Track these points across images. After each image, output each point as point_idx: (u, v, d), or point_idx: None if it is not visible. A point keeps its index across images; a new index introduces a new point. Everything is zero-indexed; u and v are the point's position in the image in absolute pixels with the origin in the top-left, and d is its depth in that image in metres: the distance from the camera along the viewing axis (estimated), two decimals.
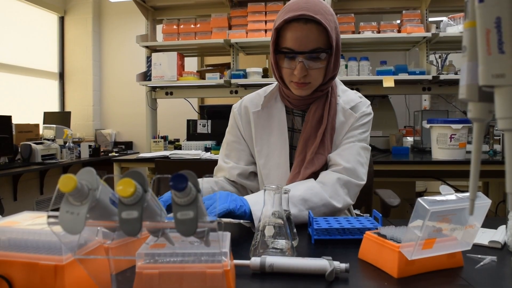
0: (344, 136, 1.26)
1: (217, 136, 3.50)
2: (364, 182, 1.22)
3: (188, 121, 3.66)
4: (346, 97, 1.31)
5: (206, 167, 1.20)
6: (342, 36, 3.20)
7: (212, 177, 1.38)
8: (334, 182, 1.17)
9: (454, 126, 2.58)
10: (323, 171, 1.23)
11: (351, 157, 1.21)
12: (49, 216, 0.52)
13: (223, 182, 1.33)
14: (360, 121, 1.27)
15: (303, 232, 1.03)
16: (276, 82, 1.33)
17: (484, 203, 0.77)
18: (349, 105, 1.28)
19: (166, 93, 3.74)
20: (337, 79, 1.34)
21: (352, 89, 1.40)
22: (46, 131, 4.36)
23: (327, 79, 1.21)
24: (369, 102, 1.33)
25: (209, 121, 3.58)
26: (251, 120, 1.32)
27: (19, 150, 3.69)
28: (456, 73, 3.22)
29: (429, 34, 3.16)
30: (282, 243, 0.83)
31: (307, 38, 1.11)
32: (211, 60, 4.77)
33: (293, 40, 1.12)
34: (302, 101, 1.26)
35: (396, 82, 3.17)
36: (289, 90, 1.23)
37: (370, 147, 1.30)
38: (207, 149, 3.34)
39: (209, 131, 3.56)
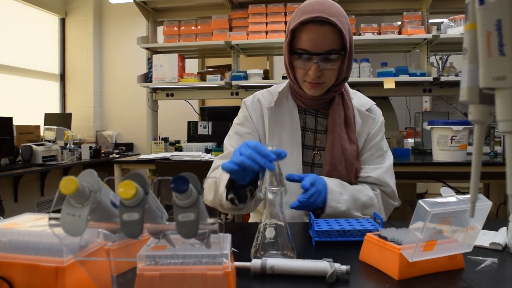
0: (374, 148, 1.30)
1: (217, 137, 3.50)
2: (397, 203, 1.32)
3: (189, 122, 3.66)
4: (358, 99, 1.35)
5: (207, 169, 1.19)
6: None
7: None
8: (380, 200, 1.26)
9: (455, 127, 2.58)
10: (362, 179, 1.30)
11: (391, 180, 1.30)
12: (50, 218, 0.52)
13: None
14: (382, 131, 1.33)
15: (303, 234, 1.03)
16: (287, 82, 1.33)
17: (485, 205, 0.77)
18: (365, 108, 1.32)
19: (167, 95, 3.75)
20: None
21: None
22: (47, 133, 4.37)
23: (340, 80, 1.22)
24: (380, 110, 1.38)
25: (210, 123, 3.58)
26: (265, 116, 1.32)
27: (20, 152, 3.69)
28: (456, 75, 3.22)
29: (429, 36, 3.16)
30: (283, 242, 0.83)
31: (322, 40, 1.12)
32: (211, 61, 4.78)
33: (309, 42, 1.13)
34: (315, 101, 1.27)
35: (397, 83, 3.18)
36: (302, 90, 1.24)
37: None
38: (207, 151, 3.34)
39: (210, 133, 3.56)
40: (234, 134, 1.33)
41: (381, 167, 1.29)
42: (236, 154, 0.94)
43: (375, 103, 1.37)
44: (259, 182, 0.89)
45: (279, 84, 1.40)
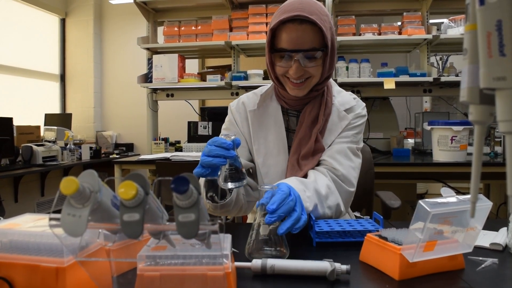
0: (339, 135, 1.27)
1: None
2: (354, 189, 1.23)
3: (189, 123, 3.66)
4: (341, 98, 1.32)
5: None
6: (343, 38, 3.23)
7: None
8: (334, 185, 1.18)
9: (455, 128, 2.58)
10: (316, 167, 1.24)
11: (344, 162, 1.22)
12: (51, 219, 0.52)
13: None
14: (354, 123, 1.29)
15: (304, 235, 1.03)
16: (272, 83, 1.34)
17: (485, 205, 0.77)
18: (344, 107, 1.29)
19: (167, 95, 3.75)
20: (331, 80, 1.35)
21: (353, 91, 1.41)
22: (47, 133, 4.37)
23: (323, 78, 1.22)
24: (364, 104, 1.34)
25: (210, 123, 3.58)
26: (249, 118, 1.32)
27: (20, 152, 3.69)
28: (457, 75, 3.22)
29: (430, 36, 3.16)
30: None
31: (302, 38, 1.12)
32: (212, 62, 4.77)
33: (288, 41, 1.13)
34: (298, 101, 1.27)
35: (397, 84, 3.18)
36: (285, 90, 1.24)
37: (361, 149, 1.32)
38: None
39: (210, 133, 3.56)
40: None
41: (332, 147, 1.24)
42: (201, 159, 0.96)
43: (358, 102, 1.33)
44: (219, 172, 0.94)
45: (266, 86, 1.40)
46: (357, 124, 1.29)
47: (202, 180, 1.09)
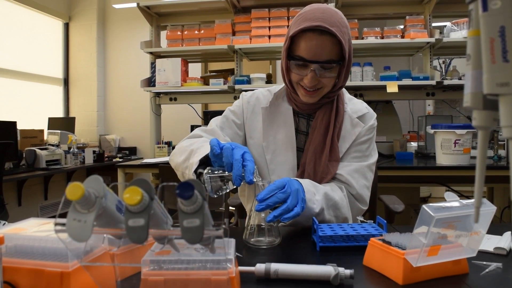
0: (352, 148, 1.28)
1: None
2: (367, 207, 1.28)
3: (192, 126, 3.67)
4: (353, 105, 1.34)
5: None
6: None
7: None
8: (347, 202, 1.23)
9: (458, 131, 2.58)
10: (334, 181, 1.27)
11: (360, 181, 1.26)
12: (56, 224, 0.53)
13: None
14: (368, 135, 1.30)
15: (307, 239, 1.03)
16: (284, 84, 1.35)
17: (489, 209, 0.76)
18: (357, 115, 1.31)
19: (170, 99, 3.76)
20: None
21: (355, 94, 1.42)
22: (50, 137, 4.39)
23: (337, 88, 1.23)
24: (375, 115, 1.35)
25: None
26: (261, 115, 1.34)
27: (24, 156, 3.71)
28: (460, 78, 3.22)
29: (432, 40, 3.16)
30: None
31: (321, 49, 1.12)
32: (215, 66, 4.79)
33: (307, 50, 1.13)
34: (309, 105, 1.28)
35: (400, 87, 3.18)
36: (297, 95, 1.25)
37: (375, 160, 1.33)
38: None
39: None
40: (223, 116, 1.39)
41: (351, 164, 1.26)
42: (231, 145, 0.99)
43: (370, 111, 1.35)
44: (207, 171, 0.98)
45: (279, 85, 1.42)
46: (370, 137, 1.31)
47: (202, 152, 1.09)
